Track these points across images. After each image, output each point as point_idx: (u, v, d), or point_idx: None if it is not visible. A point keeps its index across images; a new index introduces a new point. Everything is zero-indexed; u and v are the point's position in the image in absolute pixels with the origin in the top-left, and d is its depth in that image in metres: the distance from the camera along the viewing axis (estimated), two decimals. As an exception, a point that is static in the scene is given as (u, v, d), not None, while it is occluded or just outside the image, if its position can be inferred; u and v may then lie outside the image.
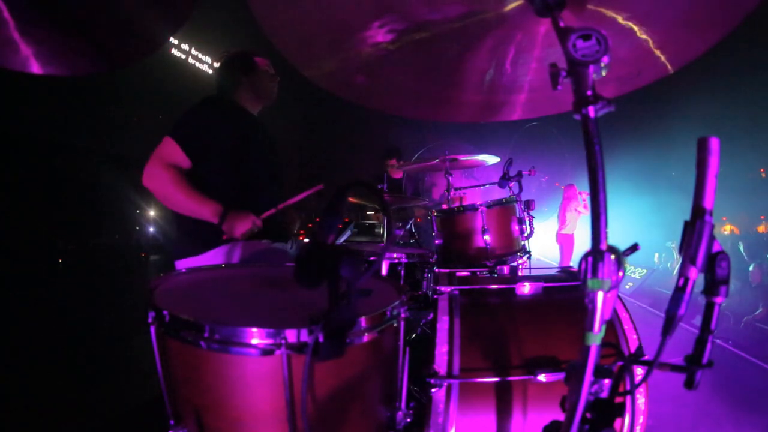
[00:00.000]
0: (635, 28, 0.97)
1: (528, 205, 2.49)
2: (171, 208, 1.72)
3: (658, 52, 1.02)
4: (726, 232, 7.79)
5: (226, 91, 1.96)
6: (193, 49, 6.64)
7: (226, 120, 1.81)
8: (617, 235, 0.57)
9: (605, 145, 0.66)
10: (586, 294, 0.62)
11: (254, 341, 0.75)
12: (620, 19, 0.95)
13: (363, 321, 0.82)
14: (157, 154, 1.68)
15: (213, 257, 1.73)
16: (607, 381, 0.68)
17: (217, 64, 2.06)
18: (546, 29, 0.98)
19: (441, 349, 1.14)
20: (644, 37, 0.99)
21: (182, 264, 1.77)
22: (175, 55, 6.42)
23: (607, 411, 0.67)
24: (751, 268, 5.50)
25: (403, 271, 1.94)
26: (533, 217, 2.57)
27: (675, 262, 7.43)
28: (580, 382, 0.62)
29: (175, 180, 1.66)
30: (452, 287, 1.28)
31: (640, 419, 1.06)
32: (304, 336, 0.75)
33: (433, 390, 1.08)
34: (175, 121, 1.73)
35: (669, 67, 1.06)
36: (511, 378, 1.09)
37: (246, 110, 1.96)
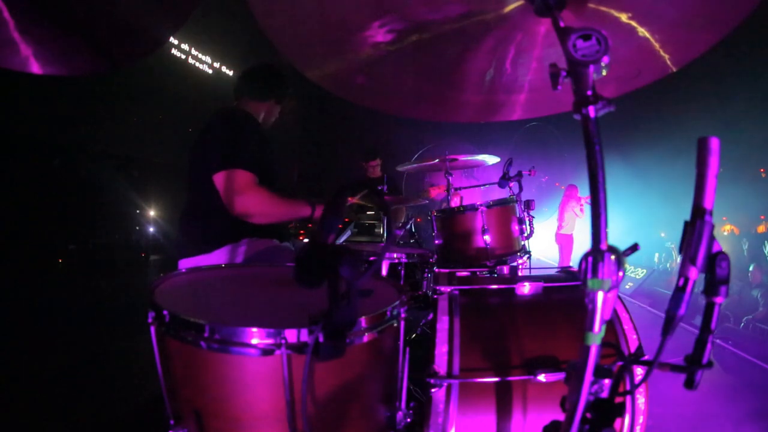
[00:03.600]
0: (636, 27, 0.97)
1: (528, 205, 2.49)
2: (271, 222, 1.76)
3: (659, 52, 1.02)
4: (726, 232, 7.78)
5: (239, 97, 1.96)
6: (193, 49, 6.64)
7: (259, 137, 1.82)
8: (617, 235, 0.57)
9: (605, 145, 0.66)
10: (586, 294, 0.62)
11: (254, 341, 0.75)
12: (622, 19, 0.95)
13: (363, 321, 0.82)
14: (238, 185, 1.66)
15: (219, 257, 1.73)
16: (607, 381, 0.68)
17: (259, 67, 2.01)
18: (546, 29, 0.98)
19: (441, 349, 1.13)
20: (645, 36, 0.99)
21: (186, 263, 1.76)
22: (175, 55, 6.43)
23: (607, 411, 0.67)
24: (750, 268, 5.50)
25: (403, 271, 1.94)
26: (533, 217, 2.58)
27: (675, 262, 7.43)
28: (580, 382, 0.62)
29: (268, 196, 1.70)
30: (452, 287, 1.28)
31: (640, 419, 1.06)
32: (304, 336, 0.75)
33: (433, 390, 1.08)
34: (230, 151, 1.69)
35: (670, 66, 1.06)
36: (511, 378, 1.09)
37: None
